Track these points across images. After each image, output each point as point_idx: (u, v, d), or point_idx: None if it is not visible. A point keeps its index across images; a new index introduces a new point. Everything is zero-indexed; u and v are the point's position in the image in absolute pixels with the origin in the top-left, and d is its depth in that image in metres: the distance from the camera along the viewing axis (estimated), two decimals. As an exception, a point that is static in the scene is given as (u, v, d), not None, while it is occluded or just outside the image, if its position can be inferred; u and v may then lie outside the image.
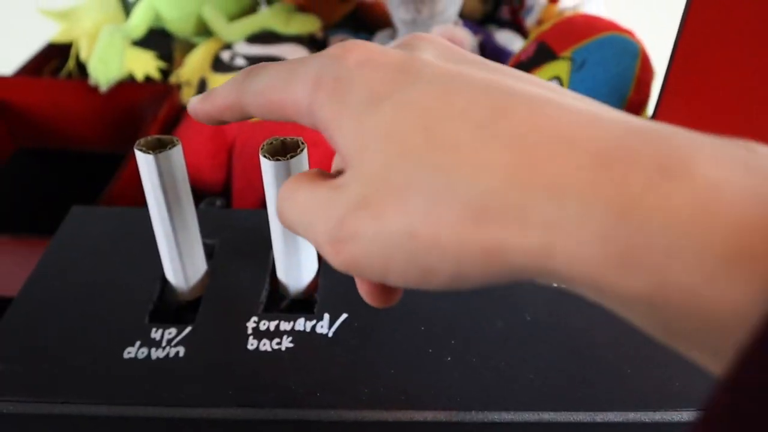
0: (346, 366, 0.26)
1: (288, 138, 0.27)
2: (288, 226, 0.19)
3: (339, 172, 0.17)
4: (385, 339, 0.27)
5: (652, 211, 0.12)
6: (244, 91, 0.20)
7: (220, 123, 0.22)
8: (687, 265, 0.11)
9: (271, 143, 0.27)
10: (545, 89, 0.16)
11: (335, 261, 0.16)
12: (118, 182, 0.43)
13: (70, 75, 0.64)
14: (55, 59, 0.67)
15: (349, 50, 0.17)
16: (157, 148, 0.27)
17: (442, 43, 0.18)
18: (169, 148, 0.27)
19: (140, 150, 0.27)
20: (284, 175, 0.26)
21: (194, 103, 0.22)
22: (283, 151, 0.27)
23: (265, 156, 0.26)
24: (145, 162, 0.27)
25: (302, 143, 0.27)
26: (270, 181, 0.27)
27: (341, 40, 0.67)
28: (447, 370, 0.26)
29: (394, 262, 0.15)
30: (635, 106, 0.43)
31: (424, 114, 0.15)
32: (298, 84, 0.18)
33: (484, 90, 0.15)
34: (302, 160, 0.26)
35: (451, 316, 0.28)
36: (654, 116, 0.38)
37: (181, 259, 0.30)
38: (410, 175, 0.15)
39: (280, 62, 0.19)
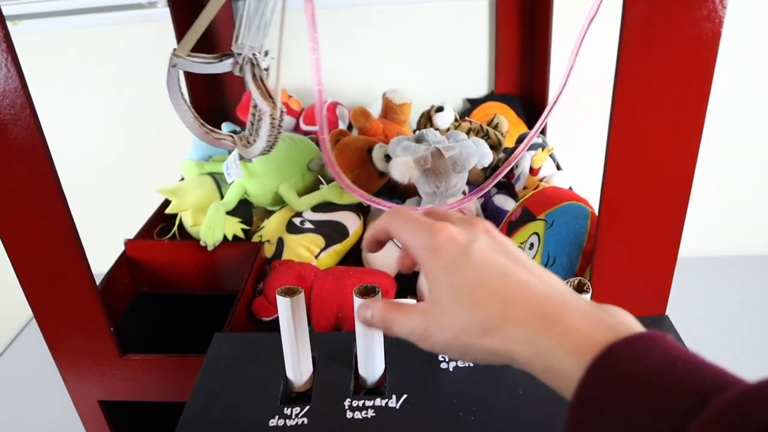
0: (409, 426, 0.43)
1: (369, 285, 0.46)
2: (385, 329, 0.38)
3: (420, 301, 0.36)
4: (432, 408, 0.44)
5: (558, 341, 0.30)
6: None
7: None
8: (561, 359, 0.29)
9: (359, 288, 0.45)
10: (529, 273, 0.33)
11: (423, 346, 0.35)
12: (233, 316, 0.62)
13: (174, 236, 0.85)
14: (160, 224, 0.89)
15: (440, 230, 0.35)
16: (288, 294, 0.46)
17: (492, 236, 0.35)
18: (298, 294, 0.46)
19: (280, 295, 0.46)
20: (368, 308, 0.45)
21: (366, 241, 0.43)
22: (366, 292, 0.45)
23: (356, 295, 0.45)
24: (283, 303, 0.46)
25: (378, 289, 0.45)
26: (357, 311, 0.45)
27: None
28: (472, 426, 0.42)
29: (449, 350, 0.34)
30: (588, 253, 0.62)
31: (469, 282, 0.33)
32: (417, 241, 0.36)
33: (501, 273, 0.33)
34: (379, 298, 0.45)
35: (472, 393, 0.45)
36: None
37: (300, 365, 0.48)
38: (459, 310, 0.33)
39: (410, 217, 0.37)
